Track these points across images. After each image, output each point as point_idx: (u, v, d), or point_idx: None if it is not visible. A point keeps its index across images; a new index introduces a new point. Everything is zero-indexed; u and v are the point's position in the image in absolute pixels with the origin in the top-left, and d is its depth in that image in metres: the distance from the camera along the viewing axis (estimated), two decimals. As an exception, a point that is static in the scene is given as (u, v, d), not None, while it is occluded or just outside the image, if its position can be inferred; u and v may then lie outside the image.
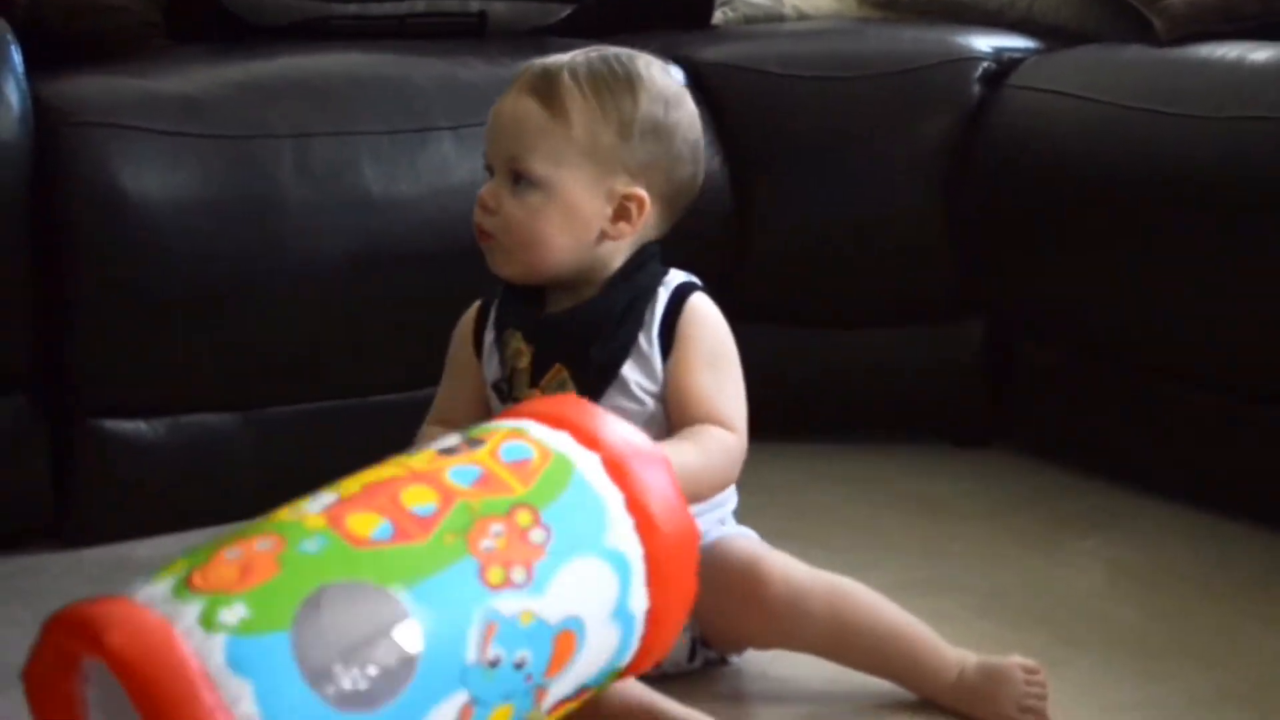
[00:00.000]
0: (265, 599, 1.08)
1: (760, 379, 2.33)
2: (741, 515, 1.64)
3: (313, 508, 1.17)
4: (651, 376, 1.53)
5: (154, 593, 1.09)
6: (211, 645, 1.05)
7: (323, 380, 2.02)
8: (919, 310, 2.31)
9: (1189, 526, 1.99)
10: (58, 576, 1.86)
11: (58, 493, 1.96)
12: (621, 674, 1.29)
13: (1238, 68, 2.03)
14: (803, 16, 2.66)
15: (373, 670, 1.08)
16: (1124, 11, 2.33)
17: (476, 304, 1.64)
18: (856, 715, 1.51)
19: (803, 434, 2.32)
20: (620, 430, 1.28)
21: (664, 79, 1.57)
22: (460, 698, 1.13)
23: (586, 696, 1.27)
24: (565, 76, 1.52)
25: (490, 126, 1.55)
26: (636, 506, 1.24)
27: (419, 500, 1.18)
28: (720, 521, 1.61)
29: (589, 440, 1.26)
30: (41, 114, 1.90)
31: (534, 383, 1.54)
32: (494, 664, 1.15)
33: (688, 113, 1.57)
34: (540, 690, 1.19)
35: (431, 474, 1.21)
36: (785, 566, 1.54)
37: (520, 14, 2.44)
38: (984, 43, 2.34)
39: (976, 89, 2.27)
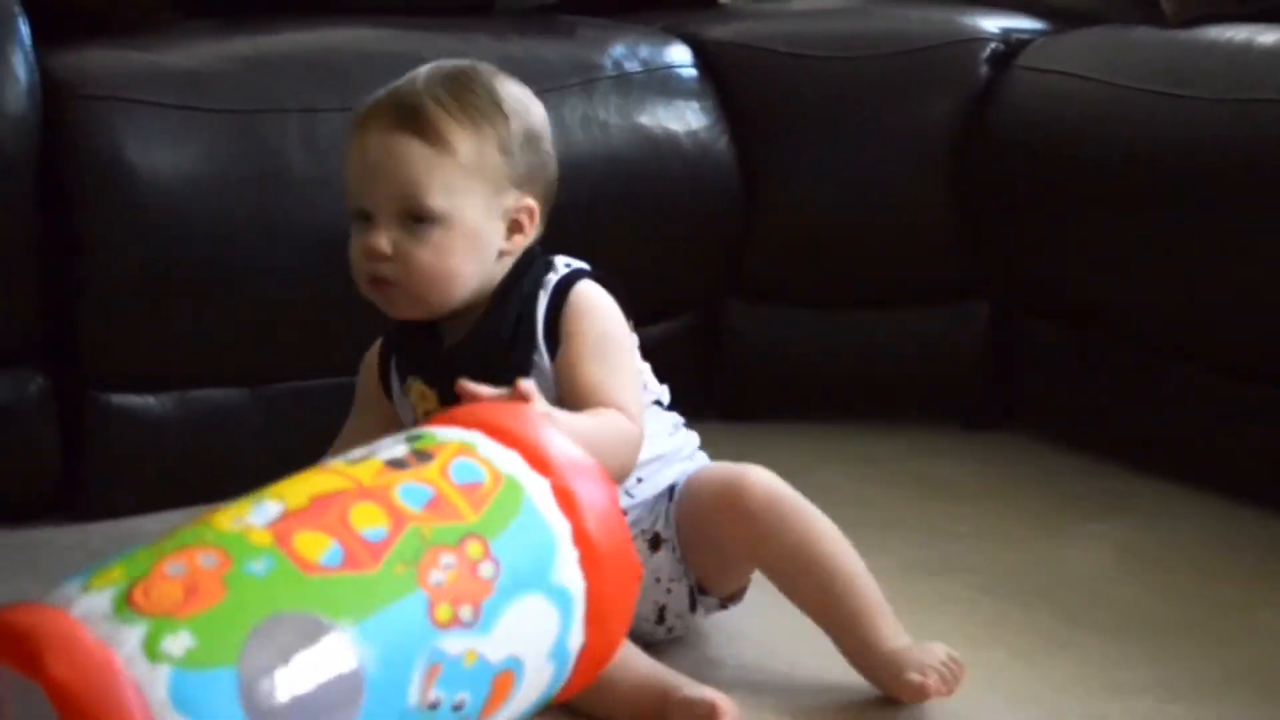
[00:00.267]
0: (211, 627, 1.06)
1: (766, 359, 2.38)
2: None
3: (257, 519, 1.14)
4: (547, 384, 1.49)
5: (92, 607, 1.07)
6: (155, 677, 1.03)
7: (330, 355, 2.01)
8: (926, 291, 2.31)
9: (1197, 508, 1.99)
10: (66, 550, 1.85)
11: (66, 467, 1.95)
12: (543, 707, 1.28)
13: (1246, 49, 2.03)
14: (809, -5, 2.65)
15: (317, 715, 1.07)
16: (1132, -8, 2.33)
17: (379, 342, 1.63)
18: (857, 711, 1.51)
19: (809, 414, 2.32)
20: (567, 451, 1.26)
21: (513, 84, 1.55)
22: None
23: None
24: (431, 105, 1.48)
25: (359, 173, 1.49)
26: (583, 538, 1.23)
27: (369, 522, 1.15)
28: (691, 457, 1.63)
29: (539, 463, 1.24)
30: (49, 88, 1.90)
31: None
32: (433, 706, 1.14)
33: (539, 108, 1.56)
34: None
35: (380, 491, 1.18)
36: (769, 475, 1.55)
37: (528, -10, 2.44)
38: (991, 23, 2.33)
39: (984, 69, 2.27)
